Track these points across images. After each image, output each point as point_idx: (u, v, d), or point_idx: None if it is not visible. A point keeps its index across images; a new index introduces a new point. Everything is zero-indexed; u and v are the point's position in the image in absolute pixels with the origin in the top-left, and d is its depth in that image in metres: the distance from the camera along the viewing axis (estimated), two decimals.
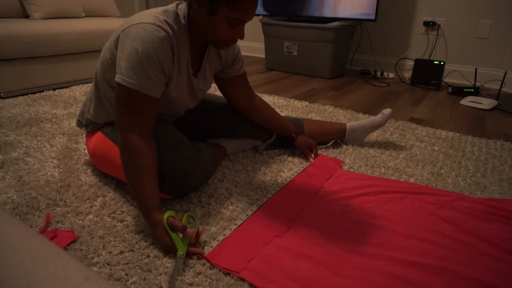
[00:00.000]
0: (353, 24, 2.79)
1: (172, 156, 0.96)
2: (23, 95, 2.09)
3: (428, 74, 2.60)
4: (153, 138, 0.96)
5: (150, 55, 0.87)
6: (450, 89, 2.46)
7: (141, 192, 0.85)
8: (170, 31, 0.90)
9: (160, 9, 0.93)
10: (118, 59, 0.89)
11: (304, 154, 1.35)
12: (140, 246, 0.85)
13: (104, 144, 1.07)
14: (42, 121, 1.65)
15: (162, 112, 1.10)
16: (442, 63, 2.51)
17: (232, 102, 1.27)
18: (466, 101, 2.21)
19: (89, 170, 1.21)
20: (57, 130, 1.55)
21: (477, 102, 2.16)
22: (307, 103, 2.06)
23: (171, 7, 0.95)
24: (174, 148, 0.98)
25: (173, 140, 1.00)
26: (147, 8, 4.98)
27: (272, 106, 1.97)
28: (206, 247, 0.85)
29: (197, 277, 0.76)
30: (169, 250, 0.81)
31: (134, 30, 0.88)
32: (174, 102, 1.06)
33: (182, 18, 0.95)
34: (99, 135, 1.10)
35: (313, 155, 1.32)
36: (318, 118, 1.80)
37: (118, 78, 0.89)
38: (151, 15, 0.91)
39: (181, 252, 0.79)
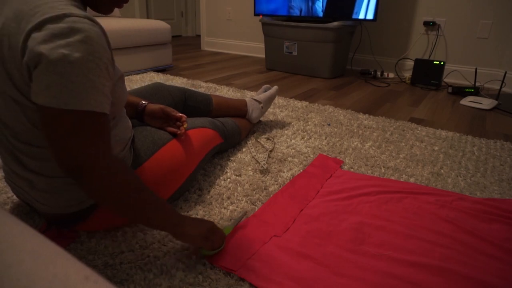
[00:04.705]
0: (353, 24, 2.79)
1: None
2: None
3: (428, 74, 2.60)
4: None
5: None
6: (450, 89, 2.47)
7: (160, 208, 0.73)
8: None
9: None
10: None
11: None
12: (140, 246, 0.85)
13: None
14: None
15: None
16: (442, 63, 2.51)
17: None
18: (466, 101, 2.21)
19: None
20: None
21: (477, 102, 2.16)
22: (307, 103, 2.06)
23: None
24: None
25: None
26: (147, 7, 4.96)
27: (272, 106, 1.97)
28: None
29: (197, 277, 0.76)
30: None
31: None
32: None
33: None
34: None
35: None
36: (318, 118, 1.80)
37: None
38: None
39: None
